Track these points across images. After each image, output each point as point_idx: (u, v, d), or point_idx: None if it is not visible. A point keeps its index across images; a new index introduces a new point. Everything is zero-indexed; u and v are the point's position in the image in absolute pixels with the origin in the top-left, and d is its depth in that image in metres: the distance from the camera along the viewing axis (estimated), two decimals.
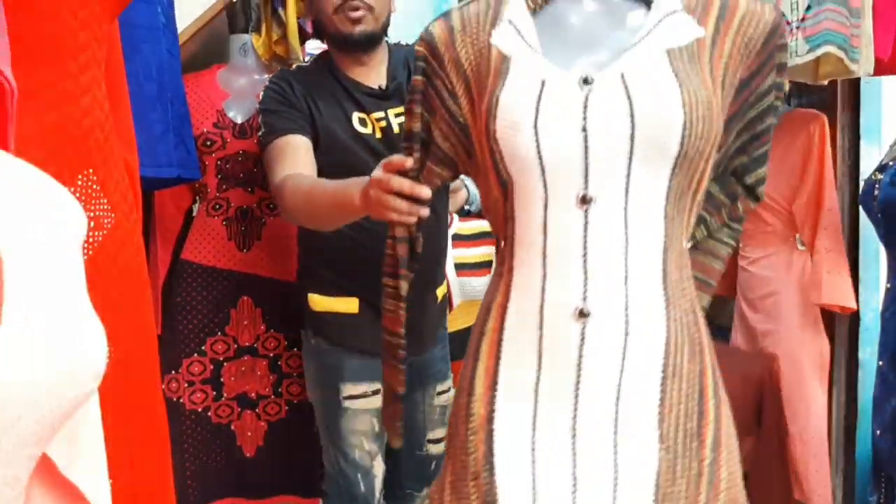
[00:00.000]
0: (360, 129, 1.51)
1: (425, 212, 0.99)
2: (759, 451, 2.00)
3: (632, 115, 0.82)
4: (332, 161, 1.49)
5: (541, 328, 0.87)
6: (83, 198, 0.85)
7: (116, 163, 0.91)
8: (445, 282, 1.72)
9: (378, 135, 1.52)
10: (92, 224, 0.85)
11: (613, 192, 0.84)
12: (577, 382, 0.86)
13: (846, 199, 2.12)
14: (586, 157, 0.84)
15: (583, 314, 0.85)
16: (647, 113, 0.82)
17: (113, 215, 0.88)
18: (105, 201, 0.87)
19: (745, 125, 0.93)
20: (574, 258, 0.85)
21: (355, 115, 1.52)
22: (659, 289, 0.86)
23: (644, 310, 0.86)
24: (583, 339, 0.85)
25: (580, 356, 0.85)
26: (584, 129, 0.83)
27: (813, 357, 2.07)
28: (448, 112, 0.96)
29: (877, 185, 1.73)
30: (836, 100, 2.11)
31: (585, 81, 0.84)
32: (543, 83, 0.85)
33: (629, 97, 0.83)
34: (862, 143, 2.13)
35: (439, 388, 1.68)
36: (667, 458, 0.84)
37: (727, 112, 0.90)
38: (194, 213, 1.85)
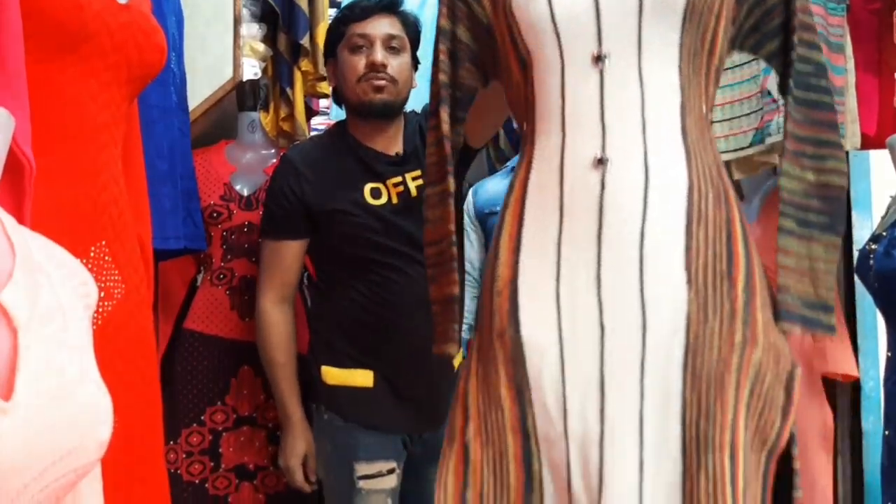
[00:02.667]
0: (371, 202, 1.53)
1: None
2: None
3: None
4: (342, 233, 1.52)
5: (561, 184, 0.88)
6: (95, 269, 0.87)
7: (129, 236, 0.94)
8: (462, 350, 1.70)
9: (394, 200, 1.54)
10: (102, 294, 0.87)
11: (626, 50, 0.88)
12: (599, 230, 0.86)
13: (841, 269, 2.14)
14: (598, 18, 0.88)
15: (601, 162, 0.86)
16: None
17: (123, 286, 0.90)
18: (116, 272, 0.89)
19: (757, 1, 0.95)
20: (591, 115, 0.88)
21: (368, 187, 1.54)
22: (678, 141, 0.88)
23: (664, 158, 0.87)
24: (602, 187, 0.86)
25: (601, 204, 0.86)
26: None
27: (817, 428, 2.03)
28: (474, 15, 0.99)
29: (871, 256, 1.74)
30: None
31: None
32: None
33: None
34: (854, 213, 2.17)
35: None
36: (696, 300, 0.83)
37: None
38: (198, 284, 1.87)
